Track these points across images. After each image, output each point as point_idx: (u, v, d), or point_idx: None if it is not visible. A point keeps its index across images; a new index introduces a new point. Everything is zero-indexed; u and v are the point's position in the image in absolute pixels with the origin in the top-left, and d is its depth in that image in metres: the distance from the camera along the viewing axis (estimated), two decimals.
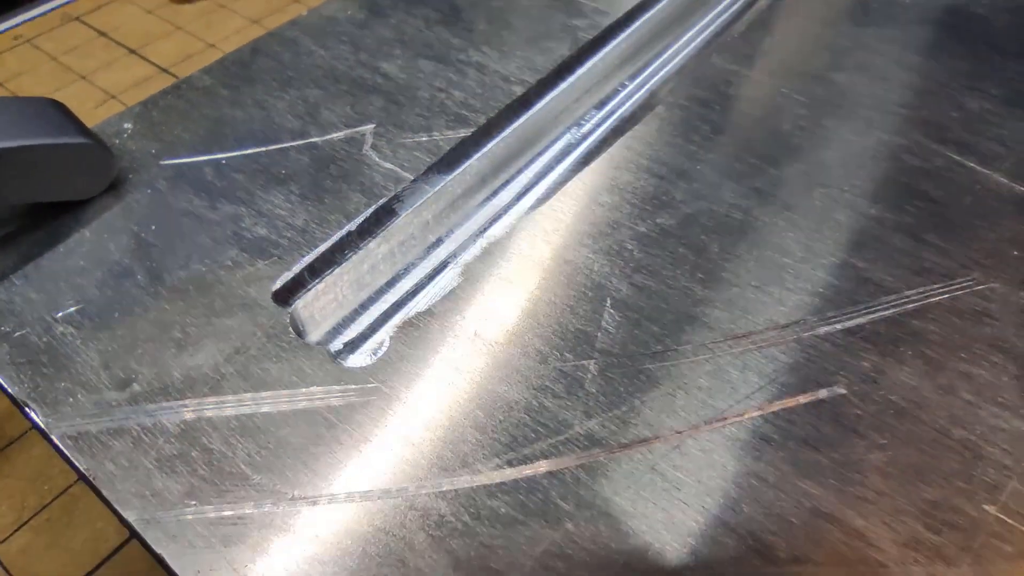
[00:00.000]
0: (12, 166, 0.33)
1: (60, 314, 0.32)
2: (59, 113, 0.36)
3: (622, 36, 0.46)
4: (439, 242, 0.37)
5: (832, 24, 0.46)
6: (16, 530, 0.32)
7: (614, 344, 0.30)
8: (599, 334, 0.30)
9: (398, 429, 0.28)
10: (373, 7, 0.49)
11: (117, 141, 0.40)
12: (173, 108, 0.42)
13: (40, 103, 0.36)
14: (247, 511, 0.25)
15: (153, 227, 0.35)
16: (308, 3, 0.61)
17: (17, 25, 0.59)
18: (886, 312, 0.31)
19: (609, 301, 0.32)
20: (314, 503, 0.26)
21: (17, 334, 0.31)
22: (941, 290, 0.32)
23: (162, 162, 0.39)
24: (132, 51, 0.58)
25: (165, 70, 0.55)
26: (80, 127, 0.36)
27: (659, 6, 0.48)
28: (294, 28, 0.48)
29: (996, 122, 0.39)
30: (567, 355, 0.30)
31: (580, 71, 0.44)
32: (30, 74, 0.57)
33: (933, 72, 0.42)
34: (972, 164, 0.37)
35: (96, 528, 0.31)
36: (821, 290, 0.32)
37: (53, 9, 0.58)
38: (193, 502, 0.26)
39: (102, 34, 0.57)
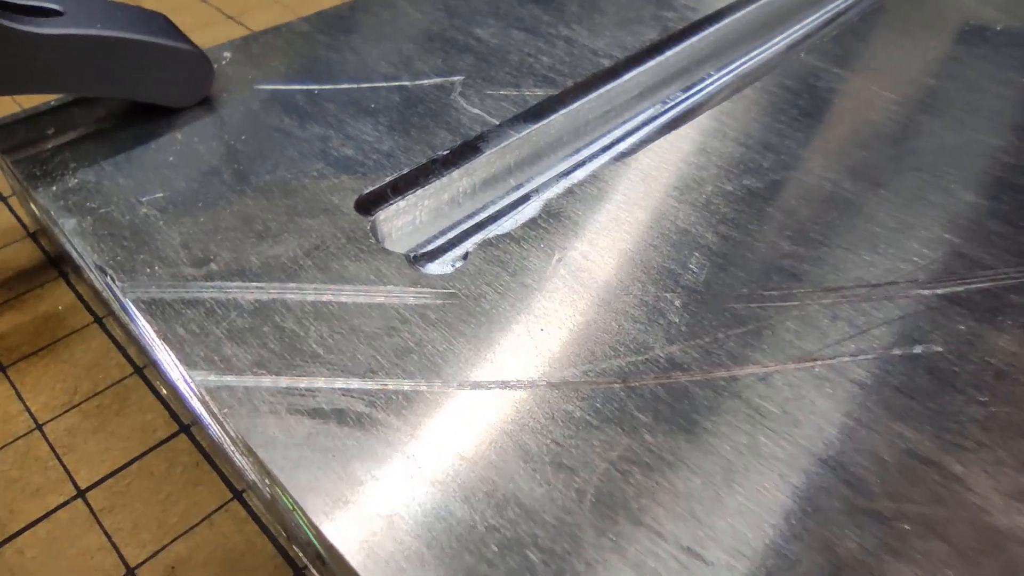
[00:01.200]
0: (119, 58, 0.34)
1: (146, 198, 0.32)
2: (167, 23, 0.38)
3: (711, 29, 0.47)
4: (519, 186, 0.36)
5: (923, 39, 0.46)
6: (65, 411, 0.31)
7: (698, 283, 0.29)
8: (683, 272, 0.30)
9: (469, 331, 0.27)
10: None
11: (216, 65, 0.41)
12: (272, 44, 0.43)
13: (151, 12, 0.38)
14: (316, 384, 0.25)
15: (243, 137, 0.36)
16: None
17: None
18: (983, 284, 0.30)
19: (694, 246, 0.31)
20: (381, 385, 0.25)
21: (102, 210, 0.31)
22: None
23: (257, 86, 0.39)
24: (229, 16, 0.60)
25: None
26: (184, 37, 0.37)
27: (751, 7, 0.49)
28: None
29: None
30: (650, 287, 0.29)
31: (669, 53, 0.44)
32: None
33: None
34: None
35: (146, 419, 0.31)
36: (915, 259, 0.31)
37: None
38: (262, 371, 0.25)
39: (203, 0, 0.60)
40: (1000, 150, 0.37)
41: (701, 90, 0.43)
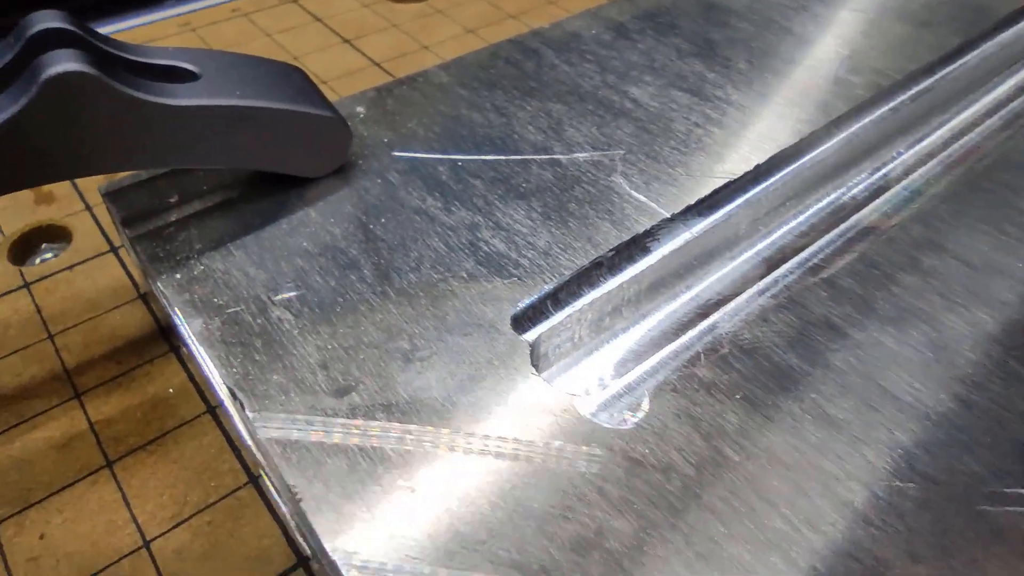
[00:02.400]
0: (256, 128, 0.31)
1: (278, 296, 0.28)
2: (305, 81, 0.34)
3: (904, 97, 0.40)
4: (687, 289, 0.31)
5: None
6: (175, 526, 0.28)
7: (938, 468, 0.24)
8: (918, 451, 0.24)
9: (661, 518, 0.22)
10: (620, 29, 0.45)
11: (349, 124, 0.37)
12: (408, 99, 0.39)
13: (286, 68, 0.34)
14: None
15: (383, 220, 0.32)
16: (527, 20, 0.58)
17: None
18: None
19: (932, 415, 0.25)
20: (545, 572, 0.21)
21: (231, 310, 0.28)
22: None
23: (394, 153, 0.35)
24: (346, 40, 0.57)
25: (378, 64, 0.53)
26: (324, 99, 0.34)
27: (948, 69, 0.42)
28: (536, 38, 0.45)
29: None
30: (881, 467, 0.24)
31: (855, 128, 0.38)
32: (245, 46, 0.57)
33: None
34: None
35: (262, 545, 0.27)
36: None
37: None
38: (415, 557, 0.21)
39: (317, 19, 0.56)
40: None
41: (891, 172, 0.37)
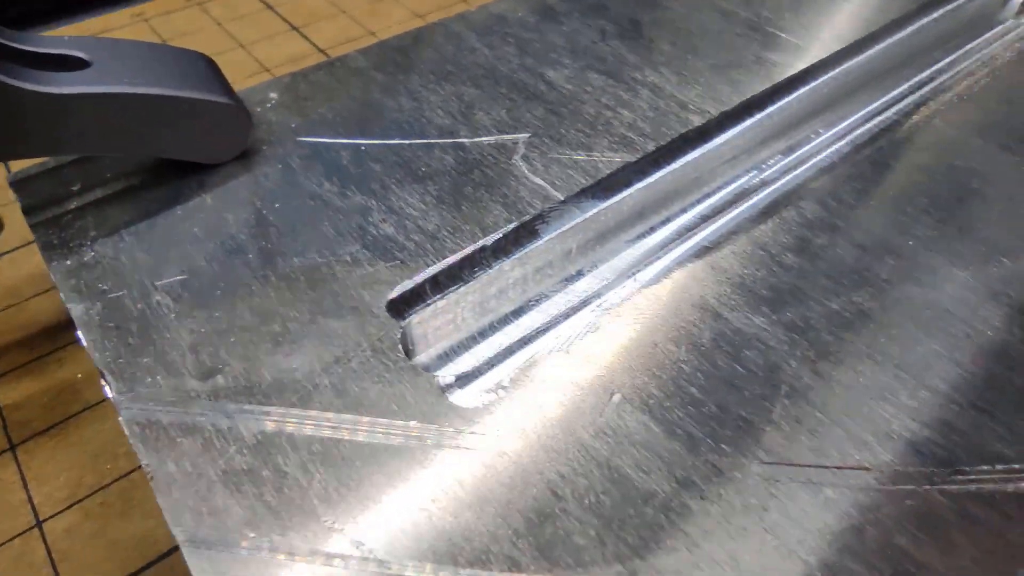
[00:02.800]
0: (150, 115, 0.31)
1: (161, 282, 0.29)
2: (209, 69, 0.34)
3: (824, 79, 0.40)
4: (579, 275, 0.31)
5: None
6: (67, 507, 0.29)
7: (787, 446, 0.24)
8: (768, 428, 0.24)
9: (500, 494, 0.23)
10: (546, 11, 0.45)
11: (259, 109, 0.38)
12: (322, 85, 0.39)
13: (192, 56, 0.34)
14: (309, 560, 0.21)
15: (277, 205, 0.32)
16: (475, 3, 0.57)
17: None
18: None
19: (784, 389, 0.25)
20: (385, 567, 0.21)
21: (114, 295, 0.28)
22: None
23: (299, 138, 0.36)
24: (294, 28, 0.57)
25: (323, 51, 0.53)
26: (226, 87, 0.34)
27: (874, 50, 0.42)
28: (460, 22, 0.45)
29: None
30: (724, 447, 0.24)
31: (771, 108, 0.38)
32: (193, 36, 0.57)
33: None
34: None
35: (148, 526, 0.28)
36: None
37: None
38: (252, 533, 0.22)
39: (269, 7, 0.56)
40: None
41: (807, 156, 0.37)
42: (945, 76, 0.41)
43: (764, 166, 0.37)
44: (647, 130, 0.36)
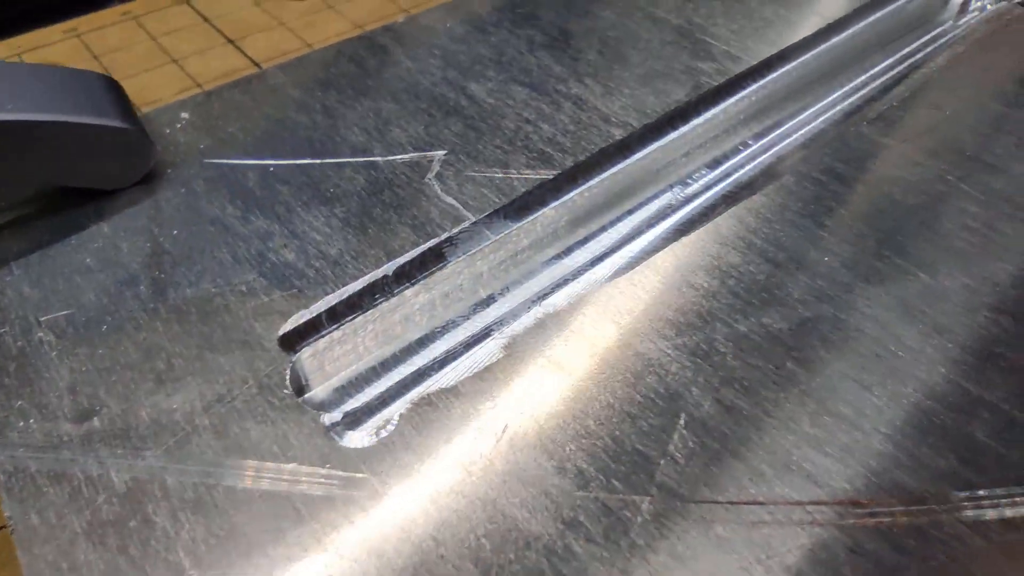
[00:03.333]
0: (38, 142, 0.30)
1: (46, 317, 0.28)
2: (106, 91, 0.33)
3: (752, 88, 0.39)
4: (490, 300, 0.30)
5: (1020, 103, 0.37)
6: None
7: (681, 480, 0.23)
8: (663, 461, 0.23)
9: (377, 543, 0.22)
10: (476, 21, 0.44)
11: (168, 130, 0.36)
12: (236, 103, 0.38)
13: (89, 78, 0.33)
14: None
15: (175, 232, 0.31)
16: (416, 12, 0.56)
17: (129, 0, 0.57)
18: None
19: (684, 418, 0.25)
20: None
21: None
22: None
23: (207, 160, 0.35)
24: (229, 41, 0.56)
25: (257, 64, 0.52)
26: (124, 109, 0.33)
27: (801, 59, 0.41)
28: (387, 34, 0.43)
29: None
30: (615, 483, 0.23)
31: (696, 121, 0.37)
32: (126, 51, 0.56)
33: None
34: None
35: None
36: (969, 455, 0.23)
37: None
38: None
39: (206, 20, 0.55)
40: None
41: (732, 169, 0.36)
42: (878, 82, 0.41)
43: (689, 180, 0.36)
44: (567, 145, 0.35)
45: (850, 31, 0.43)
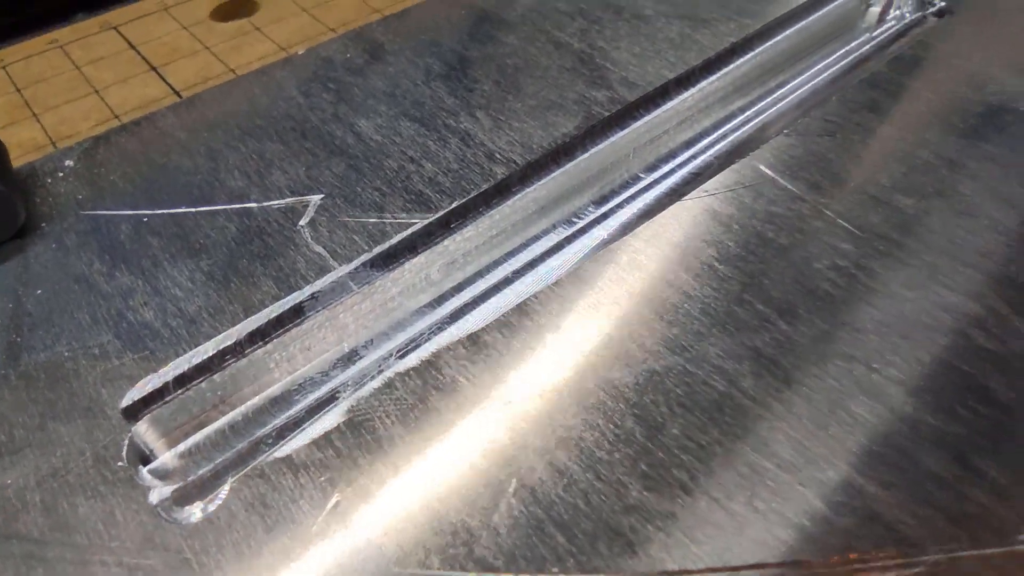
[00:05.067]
0: None
1: None
2: None
3: (641, 120, 0.38)
4: (354, 355, 0.30)
5: (917, 129, 0.37)
6: None
7: (499, 553, 0.23)
8: (484, 534, 0.23)
9: None
10: (376, 51, 0.44)
11: (50, 180, 0.36)
12: (122, 148, 0.38)
13: None
14: None
15: (39, 292, 0.31)
16: (343, 31, 0.56)
17: (56, 29, 0.57)
18: (904, 572, 0.22)
19: (514, 484, 0.24)
20: None
21: None
22: (994, 551, 0.22)
23: (83, 212, 0.34)
24: (152, 68, 0.55)
25: (177, 92, 0.51)
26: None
27: (698, 85, 0.40)
28: (283, 67, 0.43)
29: None
30: (433, 558, 0.23)
31: (581, 156, 0.36)
32: (48, 82, 0.55)
33: None
34: None
35: None
36: (809, 522, 0.23)
37: (95, 16, 0.56)
38: None
39: (132, 47, 0.55)
40: (976, 323, 0.28)
41: (623, 203, 0.35)
42: (775, 109, 0.40)
43: (575, 219, 0.35)
44: (447, 185, 0.35)
45: (756, 51, 0.42)
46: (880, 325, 0.28)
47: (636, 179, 0.37)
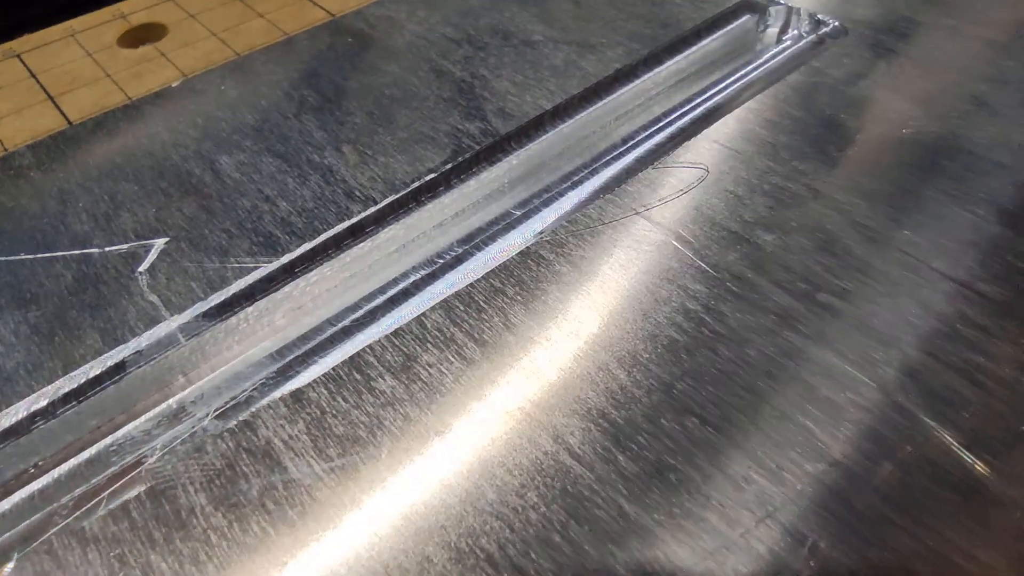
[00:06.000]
0: None
1: None
2: None
3: (517, 153, 0.37)
4: (180, 413, 0.29)
5: (791, 160, 0.35)
6: None
7: None
8: None
9: None
10: (253, 82, 0.42)
11: None
12: None
13: None
14: None
15: None
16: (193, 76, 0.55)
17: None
18: None
19: (305, 561, 0.23)
20: None
21: None
22: None
23: None
24: (50, 97, 0.54)
25: (71, 122, 0.50)
26: None
27: (579, 115, 0.39)
28: (157, 101, 0.42)
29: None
30: None
31: (444, 197, 0.35)
32: None
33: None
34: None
35: None
36: None
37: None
38: None
39: (32, 75, 0.53)
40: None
41: (485, 242, 0.34)
42: (653, 141, 0.39)
43: (437, 259, 0.34)
44: (298, 226, 0.33)
45: (641, 78, 0.41)
46: (721, 375, 0.27)
47: (507, 216, 0.36)
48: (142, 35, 0.65)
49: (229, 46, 0.64)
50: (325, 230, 0.33)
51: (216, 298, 0.30)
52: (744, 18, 0.46)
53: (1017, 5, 0.45)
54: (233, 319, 0.30)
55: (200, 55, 0.62)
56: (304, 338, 0.31)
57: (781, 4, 0.46)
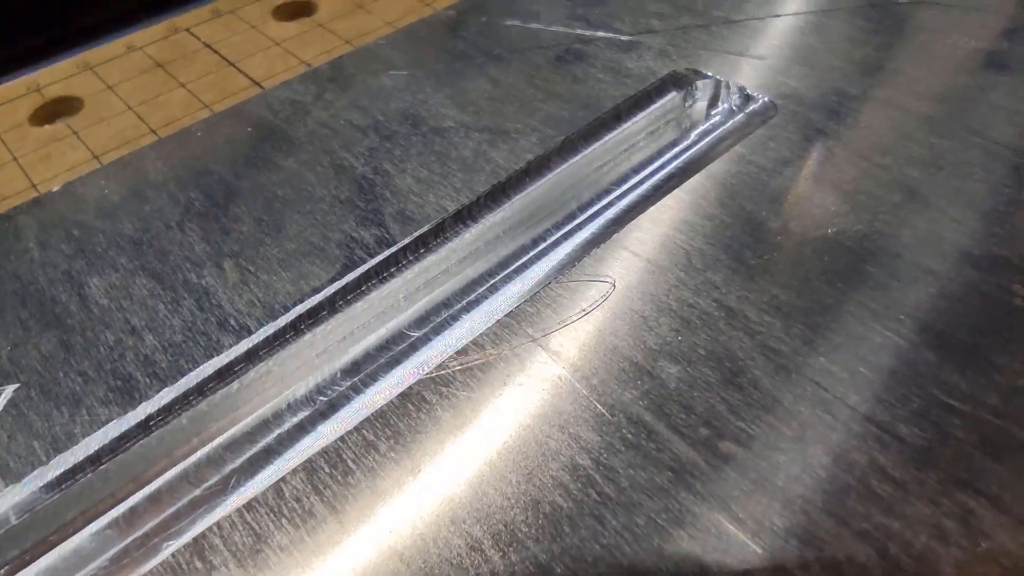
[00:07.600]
0: None
1: None
2: None
3: (404, 274, 0.34)
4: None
5: (703, 272, 0.33)
6: None
7: None
8: None
9: None
10: (137, 184, 0.39)
11: None
12: None
13: None
14: None
15: None
16: (259, 78, 0.53)
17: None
18: None
19: None
20: None
21: None
22: None
23: None
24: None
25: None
26: None
27: (481, 222, 0.36)
28: (32, 210, 0.39)
29: None
30: None
31: (329, 322, 0.32)
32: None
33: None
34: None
35: None
36: None
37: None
38: None
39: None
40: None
41: (376, 373, 0.31)
42: (571, 242, 0.36)
43: (321, 395, 0.31)
44: (162, 366, 0.30)
45: (554, 171, 0.39)
46: (605, 551, 0.24)
47: (400, 339, 0.33)
48: (57, 109, 0.62)
49: (145, 121, 0.61)
50: (190, 370, 0.30)
51: (60, 464, 0.27)
52: (670, 95, 0.43)
53: (957, 73, 0.43)
54: (75, 487, 0.27)
55: (114, 133, 0.59)
56: (146, 514, 0.28)
57: (709, 77, 0.43)
